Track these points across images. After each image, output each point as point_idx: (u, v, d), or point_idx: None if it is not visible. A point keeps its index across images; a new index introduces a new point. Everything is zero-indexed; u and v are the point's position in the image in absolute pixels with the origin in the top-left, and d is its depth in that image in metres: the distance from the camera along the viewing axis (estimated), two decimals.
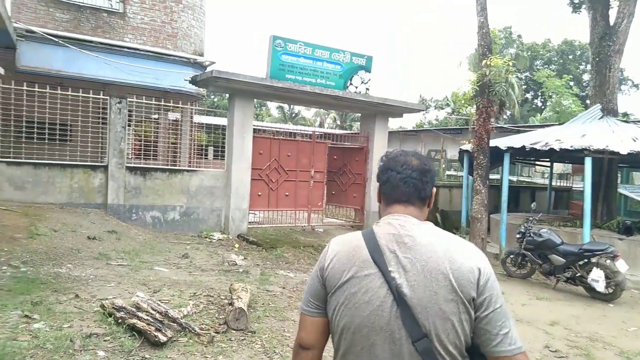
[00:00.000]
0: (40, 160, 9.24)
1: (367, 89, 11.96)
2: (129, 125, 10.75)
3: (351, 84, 11.72)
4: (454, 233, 10.80)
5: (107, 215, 9.54)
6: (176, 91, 12.07)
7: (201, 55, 12.86)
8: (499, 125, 17.36)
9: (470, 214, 11.64)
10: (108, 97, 9.68)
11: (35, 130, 9.04)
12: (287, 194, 11.50)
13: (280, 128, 16.29)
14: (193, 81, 10.95)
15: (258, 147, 11.04)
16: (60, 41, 10.49)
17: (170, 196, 10.24)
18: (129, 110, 10.03)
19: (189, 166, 11.22)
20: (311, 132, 12.36)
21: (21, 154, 9.19)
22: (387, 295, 1.38)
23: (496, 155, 12.11)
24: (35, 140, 9.41)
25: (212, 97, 42.86)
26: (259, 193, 11.09)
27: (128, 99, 9.95)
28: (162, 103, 10.40)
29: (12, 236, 7.24)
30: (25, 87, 8.95)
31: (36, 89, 8.97)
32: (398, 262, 1.40)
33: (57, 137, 9.56)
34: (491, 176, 12.66)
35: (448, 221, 14.57)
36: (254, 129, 11.11)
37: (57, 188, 9.29)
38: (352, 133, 23.29)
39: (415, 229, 1.47)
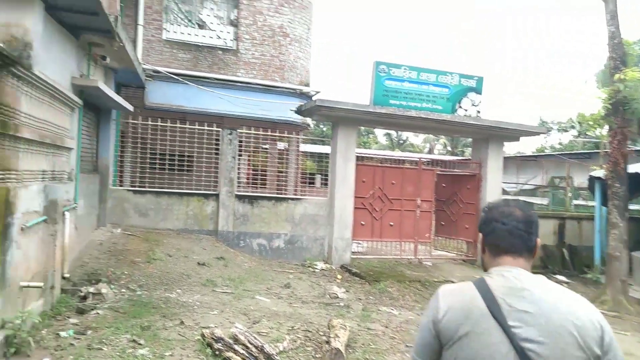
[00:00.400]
0: (161, 189, 9.98)
1: (478, 111, 11.17)
2: (241, 155, 11.27)
3: (460, 107, 11.04)
4: (585, 272, 9.36)
5: (217, 241, 9.93)
6: (283, 121, 12.40)
7: (307, 85, 13.15)
8: (637, 149, 15.13)
9: (606, 251, 10.05)
10: (220, 129, 10.22)
11: (158, 160, 9.84)
12: (391, 223, 11.03)
13: (385, 155, 15.93)
14: (298, 111, 11.16)
15: (361, 174, 10.80)
16: (180, 79, 11.41)
17: (275, 224, 10.39)
18: (240, 141, 10.49)
19: (294, 194, 11.34)
20: (417, 159, 11.82)
21: (146, 183, 10.03)
22: (509, 352, 1.36)
23: (636, 183, 10.44)
24: (158, 170, 10.26)
25: (322, 126, 44.07)
26: (362, 222, 10.78)
27: (238, 130, 10.41)
28: (269, 133, 10.70)
29: (133, 260, 7.79)
30: (150, 122, 9.82)
31: (159, 123, 9.78)
32: (519, 317, 1.39)
33: (178, 167, 10.32)
34: (630, 206, 10.91)
35: (577, 257, 12.82)
36: (358, 157, 10.92)
37: (175, 215, 9.93)
38: (462, 159, 22.04)
39: (531, 282, 1.47)
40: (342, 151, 10.55)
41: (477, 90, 11.17)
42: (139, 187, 10.07)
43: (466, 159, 18.97)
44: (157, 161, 10.24)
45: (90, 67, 7.78)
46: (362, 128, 31.70)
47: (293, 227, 10.49)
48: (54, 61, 5.95)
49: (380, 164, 11.61)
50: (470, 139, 14.07)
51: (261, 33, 12.53)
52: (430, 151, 43.81)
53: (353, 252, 10.87)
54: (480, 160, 11.86)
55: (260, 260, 9.84)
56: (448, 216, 12.57)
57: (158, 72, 11.56)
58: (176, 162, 10.24)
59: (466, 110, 11.06)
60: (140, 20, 11.54)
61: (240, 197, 10.26)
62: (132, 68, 9.35)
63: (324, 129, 44.68)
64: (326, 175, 11.10)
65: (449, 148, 44.66)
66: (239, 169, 11.80)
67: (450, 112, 10.91)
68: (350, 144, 10.69)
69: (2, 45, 4.12)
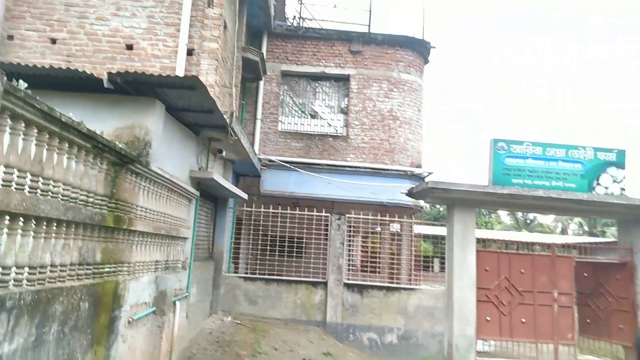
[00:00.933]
0: (271, 276, 9.93)
1: (622, 188, 9.59)
2: (352, 240, 10.96)
3: (599, 184, 9.59)
4: None
5: (325, 333, 9.38)
6: (394, 204, 11.94)
7: (419, 166, 12.69)
8: None
9: None
10: (329, 214, 10.07)
11: (271, 245, 9.92)
12: (523, 320, 9.50)
13: (510, 239, 14.39)
14: (409, 194, 10.64)
15: (483, 262, 9.66)
16: (293, 167, 11.75)
17: (387, 316, 9.58)
18: (349, 225, 10.23)
19: (409, 282, 10.52)
20: (550, 243, 10.36)
21: (257, 270, 10.08)
22: None
23: None
24: (271, 255, 10.33)
25: (438, 206, 42.47)
26: (488, 317, 9.44)
27: (346, 215, 10.16)
28: (379, 217, 10.28)
29: (238, 353, 7.56)
30: (262, 209, 10.06)
31: (270, 210, 9.96)
32: None
33: (290, 252, 10.33)
34: None
35: None
36: (478, 241, 9.87)
37: (283, 303, 9.70)
38: (605, 243, 19.13)
39: None
40: (459, 236, 9.64)
41: (619, 165, 9.69)
42: (251, 274, 10.14)
43: (610, 242, 16.35)
44: (268, 246, 10.33)
45: (209, 160, 8.29)
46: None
47: (407, 321, 9.56)
48: (173, 157, 6.36)
49: (505, 250, 10.35)
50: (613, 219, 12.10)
51: (370, 118, 12.63)
52: (563, 232, 39.30)
53: (479, 353, 9.46)
54: (632, 245, 9.98)
55: (370, 358, 8.99)
56: (594, 312, 10.53)
57: (272, 161, 12.08)
58: (286, 247, 10.25)
59: (607, 187, 9.57)
60: (259, 115, 12.40)
61: (349, 286, 9.75)
62: (248, 159, 9.85)
63: (441, 208, 42.97)
64: (445, 259, 10.16)
65: (585, 228, 39.64)
66: (350, 254, 11.43)
67: (587, 190, 9.52)
68: (468, 227, 9.75)
69: (121, 145, 4.41)
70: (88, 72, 4.95)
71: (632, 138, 64.41)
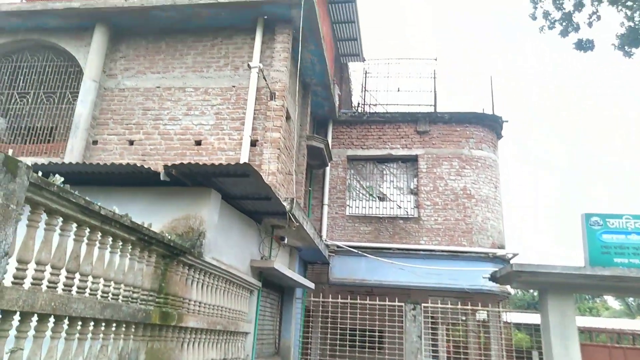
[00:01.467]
0: None
1: None
2: (435, 330, 9.92)
3: None
4: None
5: None
6: (477, 290, 10.82)
7: (501, 247, 11.59)
8: None
9: None
10: (403, 304, 9.26)
11: (342, 338, 9.18)
12: None
13: (623, 331, 12.25)
14: (492, 278, 9.57)
15: (590, 358, 8.15)
16: (361, 252, 11.23)
17: None
18: (429, 315, 9.29)
19: None
20: None
21: None
22: None
23: None
24: (345, 348, 9.56)
25: (532, 291, 38.62)
26: None
27: (422, 304, 9.28)
28: (459, 306, 9.27)
29: None
30: (330, 299, 9.50)
31: (339, 300, 9.37)
32: None
33: (365, 345, 9.51)
34: None
35: None
36: (582, 331, 8.43)
37: None
38: None
39: None
40: (556, 327, 8.32)
41: None
42: None
43: None
44: (339, 340, 9.59)
45: (272, 249, 8.10)
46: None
47: None
48: (232, 246, 6.22)
49: (617, 344, 8.75)
50: None
51: (443, 197, 12.00)
52: None
53: None
54: None
55: None
56: None
57: (340, 247, 11.68)
58: (360, 341, 9.45)
59: None
60: (326, 200, 12.28)
61: None
62: (314, 246, 9.55)
63: (535, 292, 38.99)
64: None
65: None
66: (432, 346, 10.29)
67: None
68: (567, 316, 8.42)
69: (171, 236, 4.32)
70: (148, 168, 5.08)
71: None
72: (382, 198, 12.55)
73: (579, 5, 11.07)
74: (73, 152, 8.38)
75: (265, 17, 8.81)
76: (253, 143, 8.30)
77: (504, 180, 12.70)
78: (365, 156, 12.77)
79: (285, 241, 8.12)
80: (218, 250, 5.60)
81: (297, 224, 7.70)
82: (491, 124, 12.71)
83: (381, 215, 12.19)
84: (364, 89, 13.91)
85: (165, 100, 8.92)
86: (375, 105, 13.69)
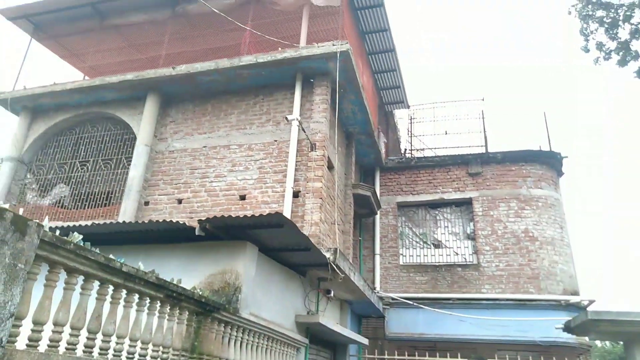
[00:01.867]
0: None
1: None
2: None
3: None
4: None
5: None
6: (551, 343, 9.76)
7: (574, 294, 10.51)
8: None
9: None
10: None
11: None
12: None
13: None
14: (567, 329, 8.60)
15: None
16: (414, 303, 10.60)
17: None
18: None
19: None
20: None
21: None
22: None
23: None
24: None
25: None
26: None
27: None
28: None
29: None
30: (386, 355, 8.90)
31: (395, 357, 8.76)
32: None
33: None
34: None
35: None
36: None
37: None
38: None
39: None
40: None
41: None
42: None
43: None
44: None
45: (319, 302, 7.80)
46: None
47: None
48: (273, 301, 6.03)
49: None
50: None
51: (503, 241, 11.24)
52: None
53: None
54: None
55: None
56: None
57: (395, 299, 11.11)
58: None
59: None
60: (377, 250, 11.88)
61: None
62: (364, 298, 9.13)
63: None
64: None
65: None
66: None
67: None
68: None
69: (201, 292, 4.22)
70: (183, 223, 5.12)
71: None
72: (437, 245, 11.96)
73: (635, 33, 10.51)
74: (126, 213, 8.72)
75: (304, 73, 9.02)
76: (295, 194, 8.26)
77: (570, 220, 11.69)
78: (415, 202, 12.37)
79: (332, 294, 7.80)
80: (257, 305, 5.43)
81: (343, 275, 7.41)
82: (549, 161, 11.97)
83: (437, 264, 11.56)
84: (410, 135, 13.72)
85: (211, 159, 9.19)
86: (423, 150, 13.41)
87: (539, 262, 10.83)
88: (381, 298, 11.20)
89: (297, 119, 8.41)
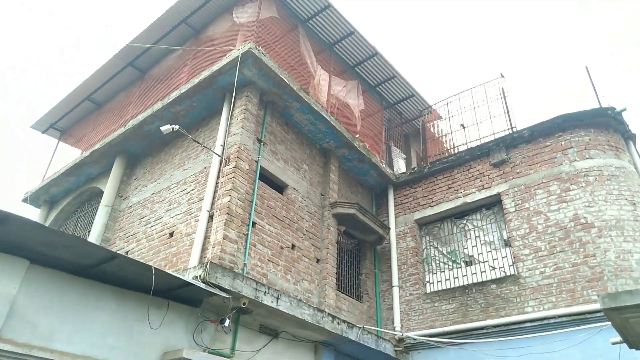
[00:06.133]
0: None
1: None
2: None
3: None
4: None
5: None
6: None
7: None
8: None
9: None
10: None
11: None
12: None
13: None
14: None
15: None
16: (434, 341, 8.01)
17: None
18: None
19: None
20: None
21: None
22: None
23: None
24: None
25: None
26: None
27: None
28: None
29: None
30: None
31: None
32: None
33: None
34: None
35: None
36: None
37: None
38: None
39: None
40: None
41: None
42: None
43: None
44: None
45: (236, 337, 6.25)
46: None
47: None
48: (86, 332, 4.86)
49: None
50: None
51: (546, 238, 8.20)
52: None
53: None
54: None
55: None
56: None
57: (415, 339, 8.62)
58: None
59: None
60: (395, 281, 9.68)
61: None
62: (343, 337, 7.17)
63: None
64: None
65: None
66: None
67: None
68: None
69: None
70: None
71: None
72: (469, 262, 9.27)
73: None
74: None
75: (229, 91, 8.32)
76: (212, 217, 7.16)
77: None
78: (435, 215, 10.00)
79: (227, 324, 6.10)
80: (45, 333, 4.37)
81: (246, 299, 5.89)
82: (599, 121, 8.84)
83: (466, 284, 8.84)
84: (421, 138, 11.62)
85: (155, 204, 8.70)
86: (444, 153, 11.16)
87: (599, 256, 7.53)
88: (402, 340, 8.82)
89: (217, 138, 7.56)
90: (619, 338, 5.43)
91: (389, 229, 10.07)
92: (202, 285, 5.44)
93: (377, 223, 9.69)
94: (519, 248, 8.46)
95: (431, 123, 11.89)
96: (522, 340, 7.55)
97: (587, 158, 8.52)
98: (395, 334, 8.89)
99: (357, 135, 10.73)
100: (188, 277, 5.58)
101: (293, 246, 8.11)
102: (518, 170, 9.18)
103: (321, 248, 8.70)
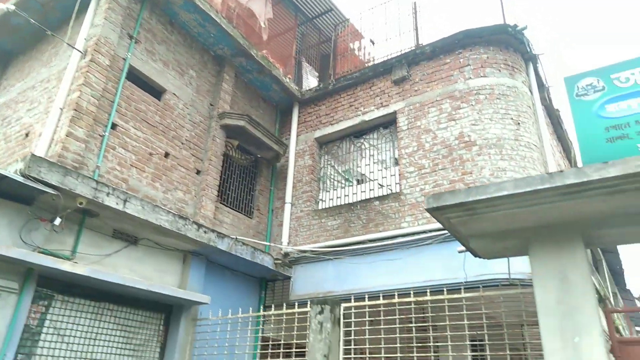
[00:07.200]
0: None
1: None
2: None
3: None
4: None
5: None
6: (490, 283, 6.47)
7: None
8: None
9: None
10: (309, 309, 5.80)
11: None
12: None
13: None
14: (432, 209, 5.48)
15: None
16: (311, 253, 7.99)
17: None
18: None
19: None
20: None
21: None
22: None
23: None
24: None
25: None
26: None
27: (344, 304, 5.67)
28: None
29: None
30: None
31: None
32: None
33: None
34: None
35: None
36: None
37: None
38: None
39: None
40: (548, 305, 4.06)
41: None
42: None
43: None
44: None
45: (79, 239, 5.89)
46: None
47: None
48: None
49: None
50: None
51: (431, 156, 8.10)
52: None
53: None
54: None
55: None
56: None
57: (301, 253, 8.60)
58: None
59: None
60: (288, 198, 9.49)
61: None
62: (210, 246, 6.94)
63: None
64: None
65: None
66: None
67: None
68: (572, 284, 4.06)
69: None
70: None
71: None
72: (361, 180, 9.15)
73: None
74: None
75: None
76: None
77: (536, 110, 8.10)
78: (335, 133, 9.71)
79: (59, 222, 5.74)
80: None
81: (83, 198, 5.46)
82: (500, 38, 8.56)
83: (352, 202, 8.77)
84: (332, 55, 11.09)
85: (19, 104, 7.92)
86: (351, 72, 10.70)
87: (475, 173, 7.52)
88: (287, 254, 8.78)
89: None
90: (463, 247, 5.44)
91: (286, 146, 9.75)
92: (20, 179, 4.95)
93: (273, 139, 9.32)
94: (405, 166, 8.35)
95: (343, 38, 11.29)
96: (394, 252, 7.61)
97: (481, 76, 8.29)
98: (281, 248, 8.84)
99: (265, 51, 10.05)
100: (9, 171, 5.07)
101: (167, 154, 7.65)
102: (416, 88, 8.90)
103: (204, 160, 8.28)
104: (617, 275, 16.94)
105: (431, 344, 5.28)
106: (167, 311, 6.93)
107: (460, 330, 5.24)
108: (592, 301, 4.00)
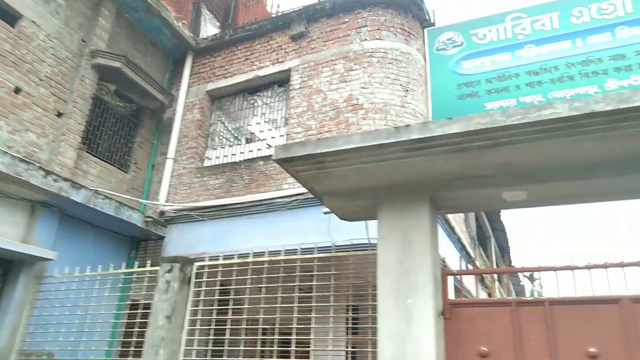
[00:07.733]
0: None
1: None
2: None
3: None
4: None
5: None
6: (355, 247, 6.38)
7: None
8: None
9: None
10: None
11: None
12: None
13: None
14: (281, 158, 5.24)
15: (466, 330, 3.51)
16: (193, 213, 7.48)
17: None
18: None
19: None
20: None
21: None
22: None
23: None
24: None
25: None
26: None
27: (198, 264, 5.26)
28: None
29: None
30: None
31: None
32: None
33: None
34: None
35: None
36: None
37: None
38: None
39: None
40: (387, 270, 3.92)
41: None
42: None
43: None
44: None
45: None
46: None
47: None
48: None
49: (516, 300, 3.85)
50: None
51: (319, 118, 7.81)
52: None
53: None
54: None
55: None
56: None
57: (181, 211, 8.04)
58: None
59: None
60: (171, 153, 8.79)
61: None
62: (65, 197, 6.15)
63: None
64: None
65: None
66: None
67: None
68: (413, 245, 3.93)
69: None
70: None
71: None
72: (250, 139, 8.70)
73: None
74: None
75: None
76: None
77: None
78: (229, 88, 9.12)
79: None
80: None
81: None
82: (399, 1, 8.33)
83: (237, 161, 8.32)
84: (234, 3, 10.40)
85: None
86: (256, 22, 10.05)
87: None
88: (163, 212, 8.17)
89: None
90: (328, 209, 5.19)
91: (172, 96, 9.00)
92: None
93: (157, 87, 8.53)
94: (293, 126, 8.00)
95: None
96: (272, 214, 7.31)
97: (377, 39, 8.05)
98: (157, 205, 8.21)
99: None
100: None
101: (18, 89, 6.65)
102: (313, 46, 8.49)
103: (68, 101, 7.35)
104: (505, 252, 18.19)
105: (278, 305, 5.05)
106: (4, 267, 6.13)
107: (321, 291, 5.08)
108: (428, 263, 3.91)
